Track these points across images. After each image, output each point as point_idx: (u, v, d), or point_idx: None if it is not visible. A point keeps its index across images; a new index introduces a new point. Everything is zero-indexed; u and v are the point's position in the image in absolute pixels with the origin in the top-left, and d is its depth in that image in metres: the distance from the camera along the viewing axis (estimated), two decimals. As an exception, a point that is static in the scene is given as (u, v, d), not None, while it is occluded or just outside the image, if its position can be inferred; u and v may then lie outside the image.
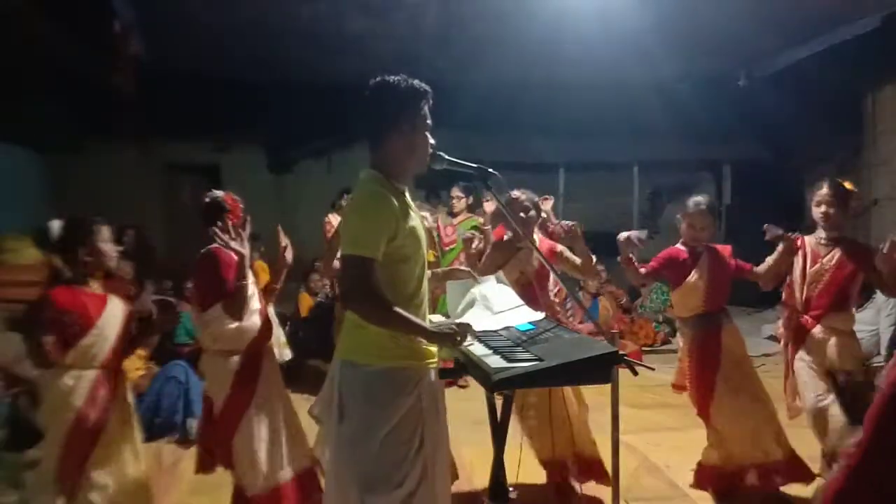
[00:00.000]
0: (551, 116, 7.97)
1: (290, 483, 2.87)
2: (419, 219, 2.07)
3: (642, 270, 3.39)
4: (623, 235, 3.32)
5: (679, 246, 3.46)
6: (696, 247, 3.40)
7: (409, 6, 5.72)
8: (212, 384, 2.91)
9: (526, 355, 1.93)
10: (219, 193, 2.97)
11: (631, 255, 3.34)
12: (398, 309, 1.90)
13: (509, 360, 1.88)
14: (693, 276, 3.35)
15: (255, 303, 2.88)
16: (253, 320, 2.86)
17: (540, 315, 2.43)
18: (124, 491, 2.65)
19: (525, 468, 3.30)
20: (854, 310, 4.95)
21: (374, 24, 6.11)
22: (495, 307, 2.47)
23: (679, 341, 3.66)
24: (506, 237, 3.53)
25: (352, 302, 1.93)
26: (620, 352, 1.93)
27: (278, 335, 5.41)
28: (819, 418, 3.22)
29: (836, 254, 3.35)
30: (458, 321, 2.05)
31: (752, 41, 6.71)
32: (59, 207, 7.37)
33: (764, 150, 9.14)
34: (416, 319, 1.96)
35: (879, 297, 5.20)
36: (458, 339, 1.96)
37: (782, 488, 3.31)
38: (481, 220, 5.38)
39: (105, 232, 2.71)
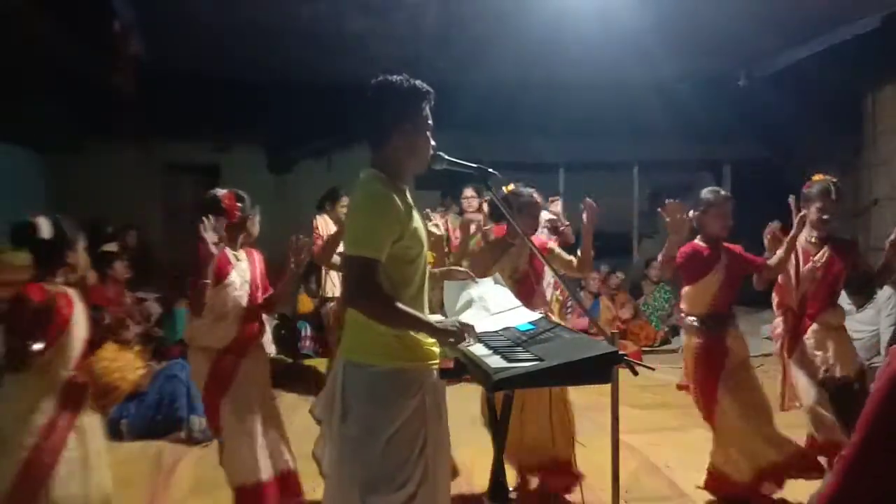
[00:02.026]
0: (551, 116, 7.96)
1: (271, 482, 2.89)
2: (421, 219, 2.07)
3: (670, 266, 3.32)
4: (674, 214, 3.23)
5: (698, 242, 3.39)
6: (717, 242, 3.34)
7: (409, 6, 5.72)
8: (196, 379, 2.98)
9: (526, 355, 1.93)
10: (219, 192, 2.96)
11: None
12: (402, 306, 1.90)
13: (509, 360, 1.88)
14: (712, 274, 3.29)
15: (239, 305, 2.89)
16: (234, 321, 2.86)
17: (539, 315, 2.43)
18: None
19: (525, 468, 3.30)
20: (856, 310, 5.00)
21: (374, 24, 6.10)
22: (493, 308, 2.47)
23: (683, 339, 3.64)
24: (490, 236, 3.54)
25: (356, 302, 1.93)
26: (620, 352, 1.93)
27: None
28: (816, 417, 3.33)
29: (826, 252, 3.40)
30: (460, 320, 2.04)
31: (752, 41, 6.70)
32: (59, 207, 7.41)
33: (764, 150, 9.14)
34: (420, 316, 1.97)
35: (880, 297, 5.20)
36: (462, 336, 1.96)
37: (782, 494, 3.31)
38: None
39: (83, 239, 2.72)
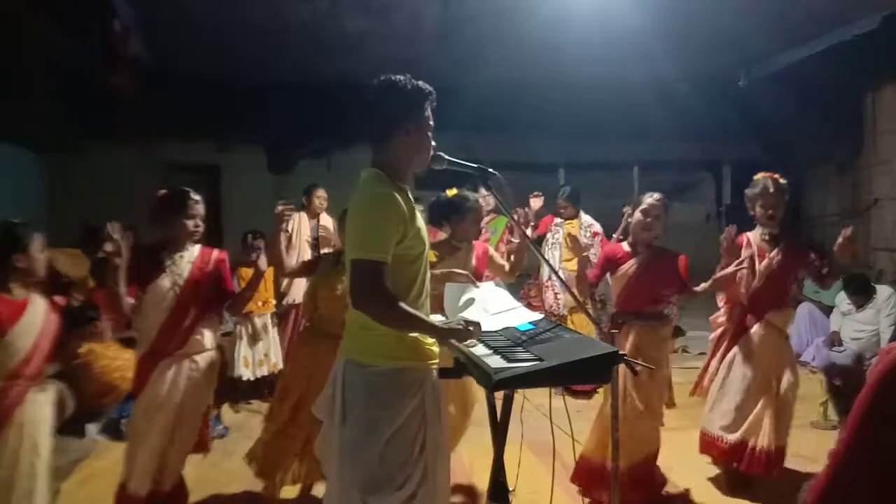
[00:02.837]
0: (551, 116, 7.97)
1: (144, 497, 2.81)
2: (422, 218, 2.07)
3: (591, 280, 3.40)
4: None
5: (624, 245, 3.43)
6: (638, 246, 3.35)
7: (409, 6, 5.72)
8: None
9: (526, 355, 1.93)
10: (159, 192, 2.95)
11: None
12: (407, 308, 1.90)
13: (509, 360, 1.88)
14: (623, 269, 3.32)
15: (161, 307, 2.82)
16: (153, 324, 2.82)
17: (539, 315, 2.43)
18: None
19: (525, 468, 3.31)
20: (856, 310, 5.00)
21: (374, 24, 6.11)
22: (492, 308, 2.47)
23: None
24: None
25: (363, 305, 1.92)
26: (620, 352, 1.93)
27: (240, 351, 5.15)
28: (725, 415, 3.43)
29: (780, 250, 3.42)
30: (466, 319, 2.04)
31: (752, 41, 6.70)
32: (60, 207, 7.42)
33: (764, 150, 9.15)
34: (426, 317, 1.97)
35: (879, 296, 5.20)
36: (467, 334, 1.96)
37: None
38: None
39: (39, 242, 2.64)
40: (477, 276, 3.33)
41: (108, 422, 4.39)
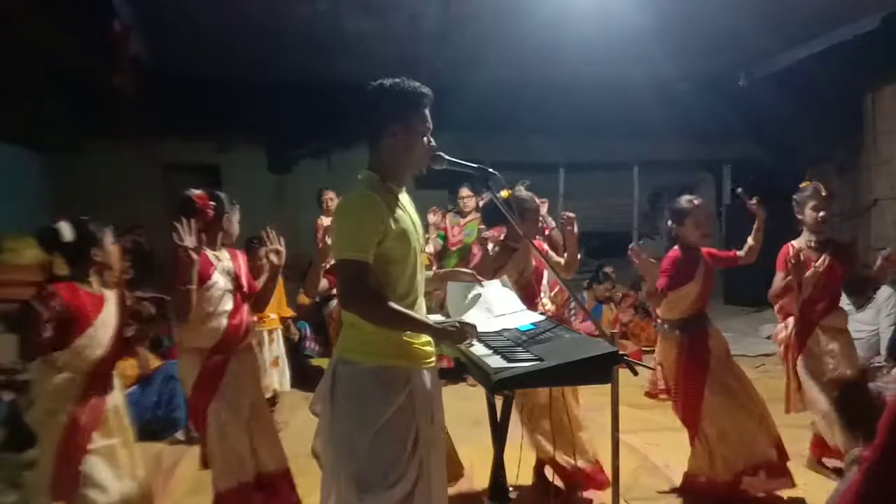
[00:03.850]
0: (551, 116, 7.97)
1: (256, 485, 2.87)
2: (412, 220, 2.06)
3: (660, 291, 3.29)
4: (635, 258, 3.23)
5: (676, 249, 3.38)
6: (695, 250, 3.35)
7: (409, 6, 5.73)
8: (183, 381, 2.95)
9: (526, 355, 1.93)
10: (192, 192, 2.92)
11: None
12: (396, 306, 1.92)
13: (510, 360, 1.88)
14: (693, 283, 3.31)
15: (224, 305, 2.88)
16: (219, 321, 2.86)
17: (540, 316, 2.43)
18: (122, 494, 2.66)
19: (525, 468, 3.31)
20: (856, 310, 5.00)
21: (374, 24, 6.11)
22: (496, 310, 2.47)
23: (658, 346, 3.58)
24: (493, 241, 3.54)
25: (351, 304, 1.95)
26: (620, 352, 1.93)
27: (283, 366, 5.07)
28: (829, 423, 3.35)
29: (826, 256, 3.42)
30: (462, 320, 2.04)
31: (752, 41, 6.71)
32: (60, 207, 7.41)
33: (764, 150, 9.14)
34: (418, 316, 1.97)
35: (879, 297, 5.21)
36: (462, 336, 1.96)
37: (783, 492, 3.30)
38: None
39: (110, 236, 2.78)
40: (538, 275, 3.33)
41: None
